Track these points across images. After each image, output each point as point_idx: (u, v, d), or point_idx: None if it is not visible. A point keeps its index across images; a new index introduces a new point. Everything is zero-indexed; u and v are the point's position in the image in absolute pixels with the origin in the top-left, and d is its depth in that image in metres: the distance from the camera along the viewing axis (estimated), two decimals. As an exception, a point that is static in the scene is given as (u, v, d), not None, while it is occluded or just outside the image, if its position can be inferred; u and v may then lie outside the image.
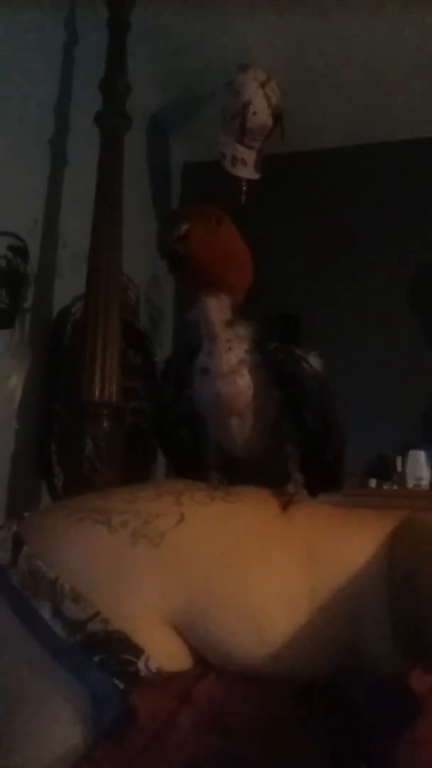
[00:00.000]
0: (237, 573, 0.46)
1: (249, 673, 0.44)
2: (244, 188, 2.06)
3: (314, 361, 0.61)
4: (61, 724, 0.41)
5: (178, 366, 0.64)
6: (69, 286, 1.61)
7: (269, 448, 0.61)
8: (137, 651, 0.42)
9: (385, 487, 1.96)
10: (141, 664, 0.41)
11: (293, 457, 0.61)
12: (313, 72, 2.02)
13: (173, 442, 0.67)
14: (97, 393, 1.29)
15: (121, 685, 0.41)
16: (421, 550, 0.45)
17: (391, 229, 2.25)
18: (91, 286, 1.40)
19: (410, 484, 1.95)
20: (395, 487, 1.96)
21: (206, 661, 0.44)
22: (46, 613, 0.42)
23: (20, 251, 1.45)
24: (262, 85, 1.95)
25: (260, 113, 1.96)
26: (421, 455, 1.96)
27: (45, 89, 1.61)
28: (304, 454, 0.61)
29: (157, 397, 0.69)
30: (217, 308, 0.60)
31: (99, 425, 1.27)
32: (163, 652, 0.43)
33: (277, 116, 2.00)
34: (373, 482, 2.00)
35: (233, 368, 0.58)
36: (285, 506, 0.54)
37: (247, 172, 2.04)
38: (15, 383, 1.44)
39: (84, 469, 1.23)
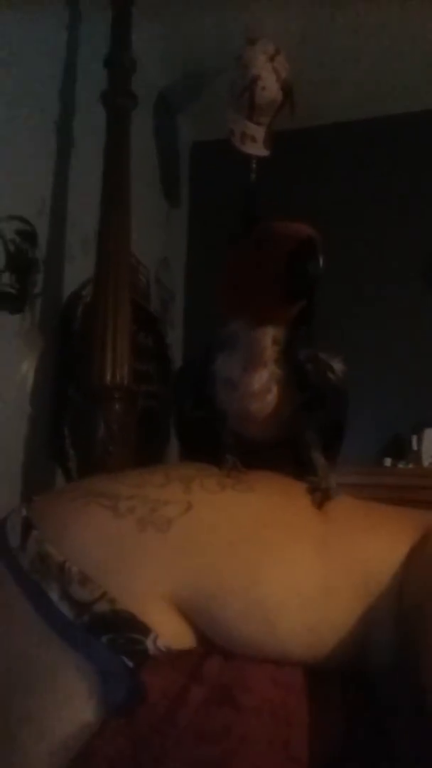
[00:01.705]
0: (246, 562, 0.46)
1: (257, 655, 0.44)
2: (254, 166, 2.03)
3: (338, 368, 0.59)
4: (73, 701, 0.41)
5: (197, 374, 0.61)
6: (79, 270, 1.61)
7: (287, 433, 0.60)
8: (145, 630, 0.42)
9: (400, 465, 1.95)
10: (149, 643, 0.41)
11: (314, 443, 0.60)
12: (323, 44, 1.97)
13: (188, 429, 0.66)
14: (108, 376, 1.29)
15: (131, 663, 0.41)
16: (424, 591, 0.43)
17: (406, 204, 2.20)
18: (101, 268, 1.40)
19: (425, 462, 1.93)
20: (410, 466, 1.94)
21: (212, 643, 0.44)
22: (54, 595, 0.42)
23: (29, 235, 1.45)
24: (271, 59, 1.91)
25: (269, 88, 1.91)
26: (436, 434, 1.94)
27: (50, 69, 1.59)
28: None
29: (173, 395, 0.67)
30: (272, 338, 0.55)
31: (111, 408, 1.28)
32: (171, 631, 0.43)
33: (287, 91, 1.95)
34: (388, 461, 1.98)
35: (264, 386, 0.55)
36: (320, 503, 0.51)
37: (257, 149, 2.00)
38: (27, 368, 1.45)
39: (97, 452, 1.24)
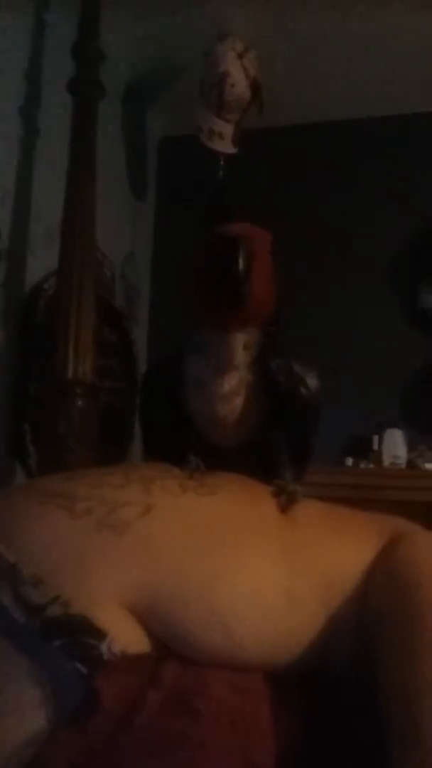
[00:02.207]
0: (206, 568, 0.44)
1: (216, 662, 0.43)
2: (221, 163, 2.02)
3: (311, 383, 0.58)
4: (24, 709, 0.40)
5: (166, 374, 0.59)
6: (41, 262, 1.57)
7: (254, 439, 0.59)
8: (100, 634, 0.40)
9: (362, 465, 1.97)
10: (104, 648, 0.40)
11: (280, 445, 0.59)
12: (292, 44, 1.98)
13: (154, 429, 0.64)
14: (70, 371, 1.26)
15: (84, 670, 0.39)
16: (386, 603, 0.43)
17: (371, 207, 2.23)
18: (65, 261, 1.37)
19: (386, 462, 1.96)
20: (371, 466, 1.97)
21: (169, 649, 0.43)
22: (5, 597, 0.40)
23: (-10, 225, 1.41)
24: (240, 56, 1.90)
25: (238, 85, 1.91)
26: (398, 434, 1.97)
27: (15, 56, 1.55)
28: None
29: (141, 394, 0.65)
30: (242, 342, 0.54)
31: (73, 404, 1.25)
32: (126, 636, 0.41)
33: (256, 88, 1.95)
34: (349, 461, 2.01)
35: (233, 389, 0.55)
36: (286, 506, 0.50)
37: (224, 146, 2.00)
38: (-14, 361, 1.41)
39: (58, 449, 1.21)
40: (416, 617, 0.41)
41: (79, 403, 1.26)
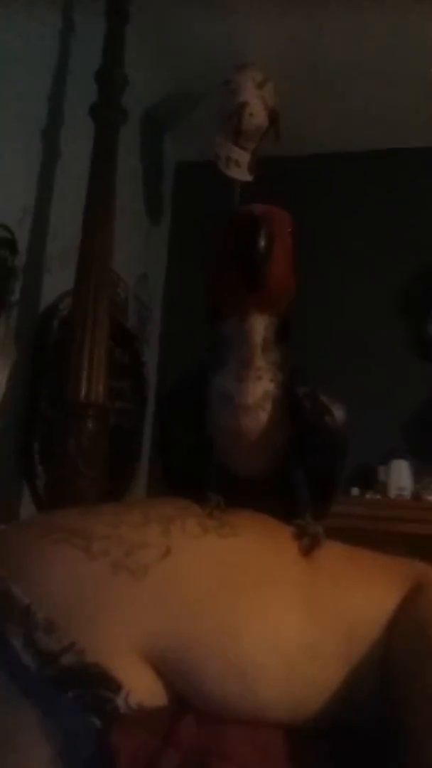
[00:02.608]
0: (226, 617, 0.42)
1: (232, 717, 0.41)
2: (238, 190, 2.04)
3: (338, 414, 0.57)
4: (32, 764, 0.37)
5: (188, 396, 0.58)
6: (57, 281, 1.57)
7: (274, 469, 0.58)
8: (116, 686, 0.38)
9: (368, 496, 1.96)
10: (120, 700, 0.37)
11: (302, 484, 0.57)
12: (310, 76, 2.01)
13: (173, 456, 0.62)
14: (83, 393, 1.26)
15: (98, 723, 0.37)
16: (413, 656, 0.42)
17: (382, 237, 2.25)
18: (81, 281, 1.37)
19: (392, 493, 1.94)
20: (377, 497, 1.95)
21: (182, 698, 0.41)
22: (17, 642, 0.38)
23: (9, 243, 1.41)
24: (259, 87, 1.93)
25: (256, 115, 1.94)
26: (404, 465, 1.96)
27: (40, 78, 1.57)
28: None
29: (160, 417, 0.63)
30: (262, 331, 0.53)
31: (84, 426, 1.24)
32: (142, 687, 0.39)
33: (273, 118, 1.98)
34: (355, 491, 1.99)
35: (258, 402, 0.53)
36: (308, 550, 0.49)
37: (241, 173, 2.02)
38: (-2, 379, 1.40)
39: (67, 471, 1.20)
40: None
41: (90, 425, 1.25)
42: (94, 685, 0.37)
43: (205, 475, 0.57)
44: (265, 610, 0.44)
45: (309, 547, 0.50)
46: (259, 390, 0.53)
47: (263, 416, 0.53)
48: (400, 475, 1.96)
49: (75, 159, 1.57)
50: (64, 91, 1.65)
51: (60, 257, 1.60)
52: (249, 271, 0.48)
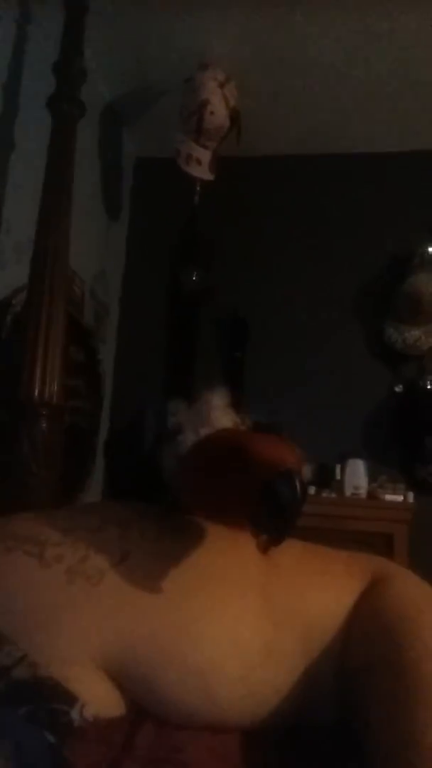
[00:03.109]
0: (183, 620, 0.42)
1: (192, 723, 0.40)
2: (198, 189, 2.03)
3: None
4: None
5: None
6: (10, 276, 1.53)
7: None
8: (71, 699, 0.37)
9: (324, 494, 1.98)
10: (75, 714, 0.37)
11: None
12: (271, 77, 2.02)
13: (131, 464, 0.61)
14: (36, 392, 1.22)
15: (53, 739, 0.36)
16: (374, 652, 0.42)
17: (341, 240, 2.28)
18: (35, 277, 1.33)
19: (348, 492, 1.97)
20: (333, 495, 1.97)
21: (140, 706, 0.40)
22: None
23: (-41, 236, 1.36)
24: (221, 86, 1.93)
25: (218, 113, 1.93)
26: (360, 464, 1.99)
27: (-6, 68, 1.52)
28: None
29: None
30: None
31: (37, 426, 1.21)
32: (99, 698, 0.38)
33: (234, 118, 1.98)
34: (311, 489, 2.01)
35: None
36: (266, 549, 0.48)
37: (202, 171, 2.01)
38: None
39: (19, 472, 1.16)
40: (402, 663, 0.40)
41: (44, 425, 1.22)
42: (47, 699, 0.36)
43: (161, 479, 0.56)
44: (222, 610, 0.44)
45: (266, 545, 0.50)
46: None
47: None
48: (356, 475, 1.99)
49: (32, 151, 1.52)
50: (21, 82, 1.60)
51: (14, 251, 1.56)
52: (276, 524, 0.46)
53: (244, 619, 0.44)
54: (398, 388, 2.12)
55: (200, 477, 0.51)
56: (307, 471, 0.57)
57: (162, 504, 0.54)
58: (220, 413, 0.55)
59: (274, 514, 0.46)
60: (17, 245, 1.55)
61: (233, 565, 0.48)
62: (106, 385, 1.95)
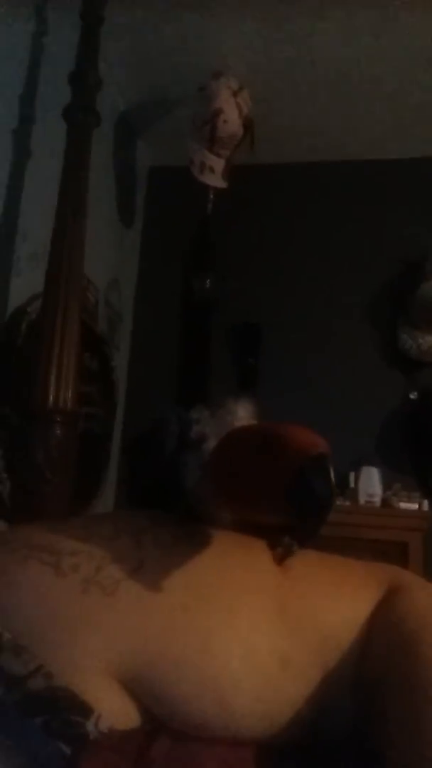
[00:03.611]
0: (200, 630, 0.41)
1: (207, 735, 0.40)
2: (211, 197, 2.04)
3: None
4: None
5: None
6: (25, 284, 1.54)
7: None
8: (86, 710, 0.36)
9: (338, 502, 1.96)
10: (91, 725, 0.36)
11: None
12: (285, 85, 2.02)
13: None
14: (51, 398, 1.23)
15: (67, 750, 0.35)
16: (392, 663, 0.41)
17: (355, 246, 2.28)
18: (51, 284, 1.34)
19: (362, 500, 1.96)
20: (347, 503, 1.96)
21: (156, 718, 0.40)
22: None
23: (-24, 244, 1.38)
24: (235, 94, 1.94)
25: (231, 122, 1.94)
26: (374, 472, 1.98)
27: (12, 78, 1.54)
28: None
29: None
30: None
31: (51, 432, 1.21)
32: (114, 709, 0.38)
33: (248, 126, 1.98)
34: (325, 497, 1.99)
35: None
36: (282, 559, 0.47)
37: (215, 180, 2.02)
38: (-37, 383, 1.36)
39: (34, 479, 1.17)
40: (421, 674, 0.40)
41: (58, 431, 1.23)
42: (63, 709, 0.36)
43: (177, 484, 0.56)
44: (238, 620, 0.43)
45: (282, 556, 0.49)
46: None
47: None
48: (370, 482, 1.98)
49: (47, 160, 1.54)
50: (37, 92, 1.62)
51: (30, 259, 1.57)
52: (307, 507, 0.43)
53: (260, 630, 0.43)
54: (413, 395, 2.10)
55: (228, 473, 0.49)
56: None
57: (177, 512, 0.54)
58: (245, 424, 0.54)
59: (306, 503, 0.43)
60: (33, 253, 1.57)
61: (248, 574, 0.48)
62: (119, 392, 1.96)
